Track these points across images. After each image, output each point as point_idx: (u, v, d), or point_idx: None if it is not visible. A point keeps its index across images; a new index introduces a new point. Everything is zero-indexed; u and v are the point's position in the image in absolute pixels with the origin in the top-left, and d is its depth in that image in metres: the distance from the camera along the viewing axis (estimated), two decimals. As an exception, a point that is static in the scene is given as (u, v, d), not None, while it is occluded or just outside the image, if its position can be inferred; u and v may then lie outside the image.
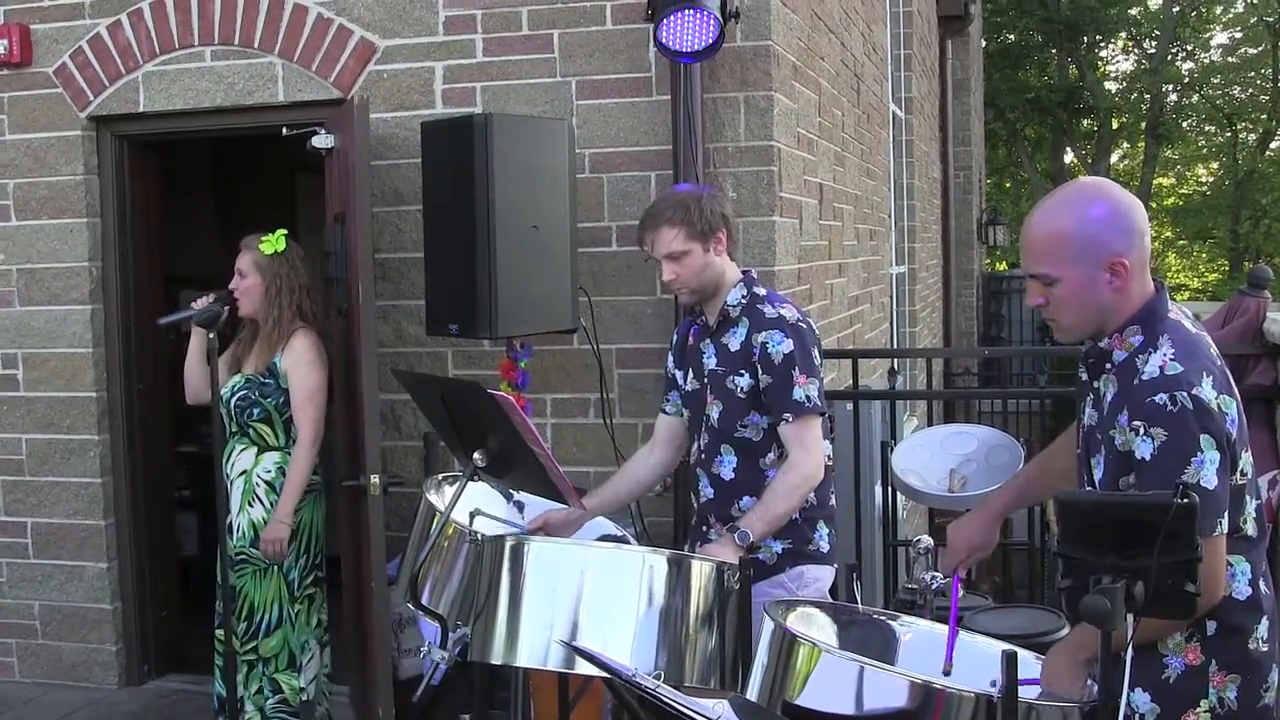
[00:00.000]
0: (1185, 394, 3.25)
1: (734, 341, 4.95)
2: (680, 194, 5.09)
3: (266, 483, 6.32)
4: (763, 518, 4.76)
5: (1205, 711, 3.39)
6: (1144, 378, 3.33)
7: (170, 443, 8.33)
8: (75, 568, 7.83)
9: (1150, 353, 3.38)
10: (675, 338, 5.37)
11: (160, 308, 7.92)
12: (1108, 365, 3.51)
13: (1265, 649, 3.45)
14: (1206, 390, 3.28)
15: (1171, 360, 3.32)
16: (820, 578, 5.04)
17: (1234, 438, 3.32)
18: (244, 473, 6.34)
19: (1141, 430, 3.28)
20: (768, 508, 4.79)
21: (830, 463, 5.04)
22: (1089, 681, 3.44)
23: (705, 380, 5.03)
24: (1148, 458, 3.27)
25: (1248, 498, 3.43)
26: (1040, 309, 3.56)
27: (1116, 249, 3.42)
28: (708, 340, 5.04)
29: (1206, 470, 3.22)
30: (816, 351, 4.95)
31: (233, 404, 6.33)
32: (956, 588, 4.20)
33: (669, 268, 4.93)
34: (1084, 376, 3.67)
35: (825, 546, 5.03)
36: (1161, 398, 3.26)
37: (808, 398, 4.82)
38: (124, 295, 7.78)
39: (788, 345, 4.84)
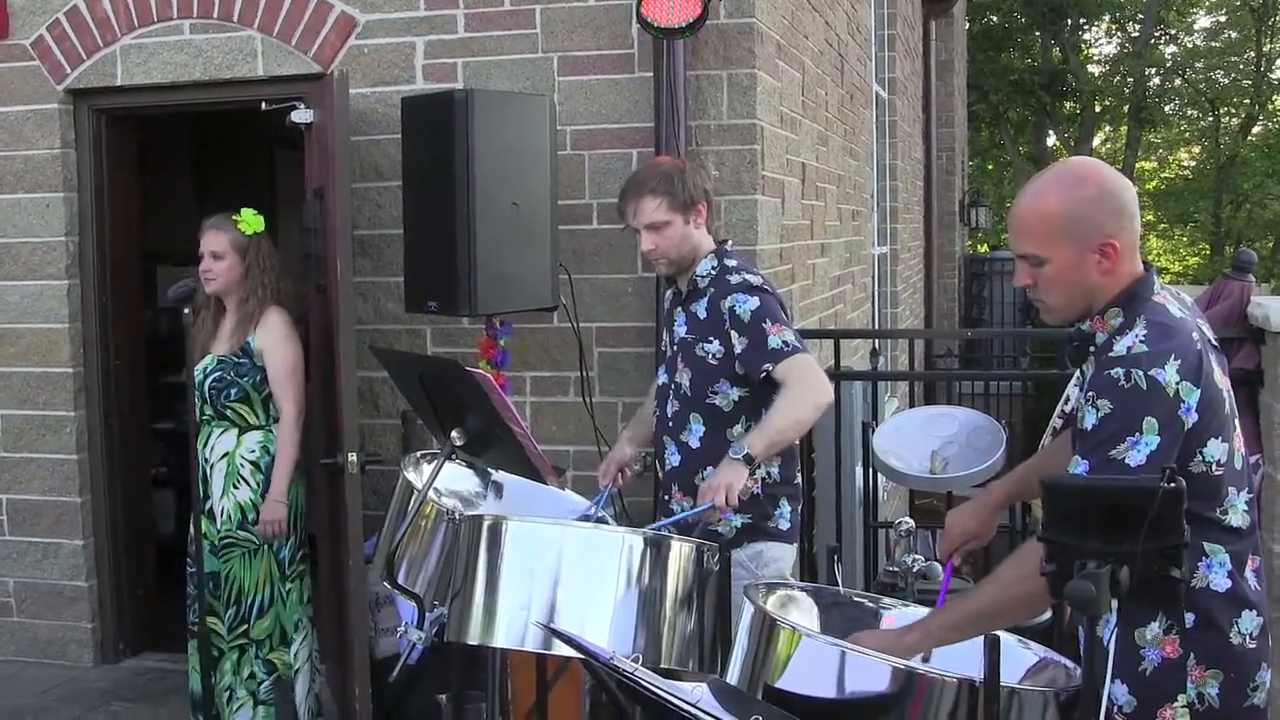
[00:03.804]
0: (1142, 373, 3.21)
1: (701, 309, 5.03)
2: (663, 165, 5.16)
3: (251, 463, 6.27)
4: (764, 432, 4.75)
5: (1183, 707, 3.32)
6: (1111, 354, 3.31)
7: (147, 420, 8.28)
8: (50, 545, 7.79)
9: (1126, 333, 3.34)
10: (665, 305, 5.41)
11: (137, 284, 7.88)
12: (1090, 349, 3.48)
13: (1252, 645, 3.37)
14: (1168, 374, 3.22)
15: (1140, 342, 3.28)
16: (779, 557, 5.07)
17: (1191, 425, 3.26)
18: (226, 455, 6.29)
19: (1092, 400, 3.26)
20: (768, 423, 4.78)
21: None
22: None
23: (676, 347, 5.06)
24: (1088, 428, 3.26)
25: (1230, 488, 3.38)
26: (1027, 289, 3.53)
27: (1107, 230, 3.39)
28: (679, 308, 5.11)
29: (1137, 452, 3.18)
30: (785, 313, 5.02)
31: (207, 386, 6.28)
32: (948, 574, 4.18)
33: (649, 238, 4.99)
34: (1071, 359, 3.65)
35: (785, 525, 5.06)
36: (1117, 372, 3.23)
37: (784, 343, 4.87)
38: (100, 271, 7.72)
39: (753, 302, 4.91)
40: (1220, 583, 3.35)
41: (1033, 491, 4.38)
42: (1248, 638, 3.37)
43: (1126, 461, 3.18)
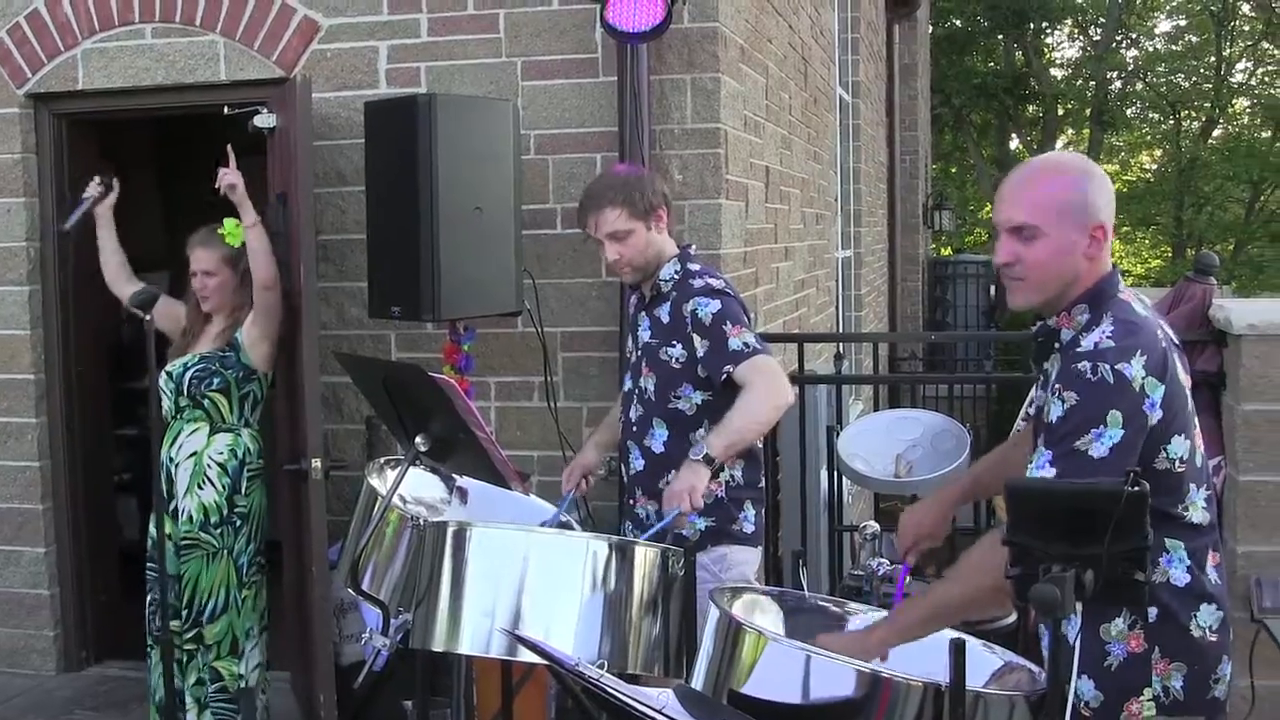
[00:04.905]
0: (1109, 367, 3.25)
1: (664, 314, 5.06)
2: (619, 175, 5.19)
3: (219, 465, 6.23)
4: (722, 432, 4.73)
5: (1149, 700, 3.37)
6: (1078, 350, 3.34)
7: (110, 426, 8.24)
8: (12, 553, 7.73)
9: (1093, 330, 3.38)
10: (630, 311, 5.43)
11: (100, 289, 7.86)
12: (1055, 345, 3.51)
13: (1214, 639, 3.43)
14: (1134, 369, 3.26)
15: (1108, 338, 3.32)
16: (744, 561, 5.09)
17: (1155, 421, 3.30)
18: (194, 454, 6.25)
19: (1058, 392, 3.29)
20: (727, 423, 4.76)
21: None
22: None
23: (640, 352, 5.08)
24: (1054, 420, 3.29)
25: (1191, 485, 3.42)
26: (1006, 268, 3.51)
27: (1101, 216, 3.43)
28: (643, 313, 5.13)
29: (1100, 444, 3.22)
30: (747, 318, 5.03)
31: (188, 377, 6.24)
32: (904, 575, 4.20)
33: (612, 248, 5.01)
34: (1035, 358, 3.67)
35: (750, 528, 5.08)
36: (1084, 365, 3.27)
37: (745, 344, 4.88)
38: (62, 276, 7.67)
39: (714, 305, 4.92)
40: (1180, 577, 3.40)
41: (988, 490, 4.43)
42: (1208, 631, 3.42)
43: (1089, 453, 3.22)
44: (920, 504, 4.28)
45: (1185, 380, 3.45)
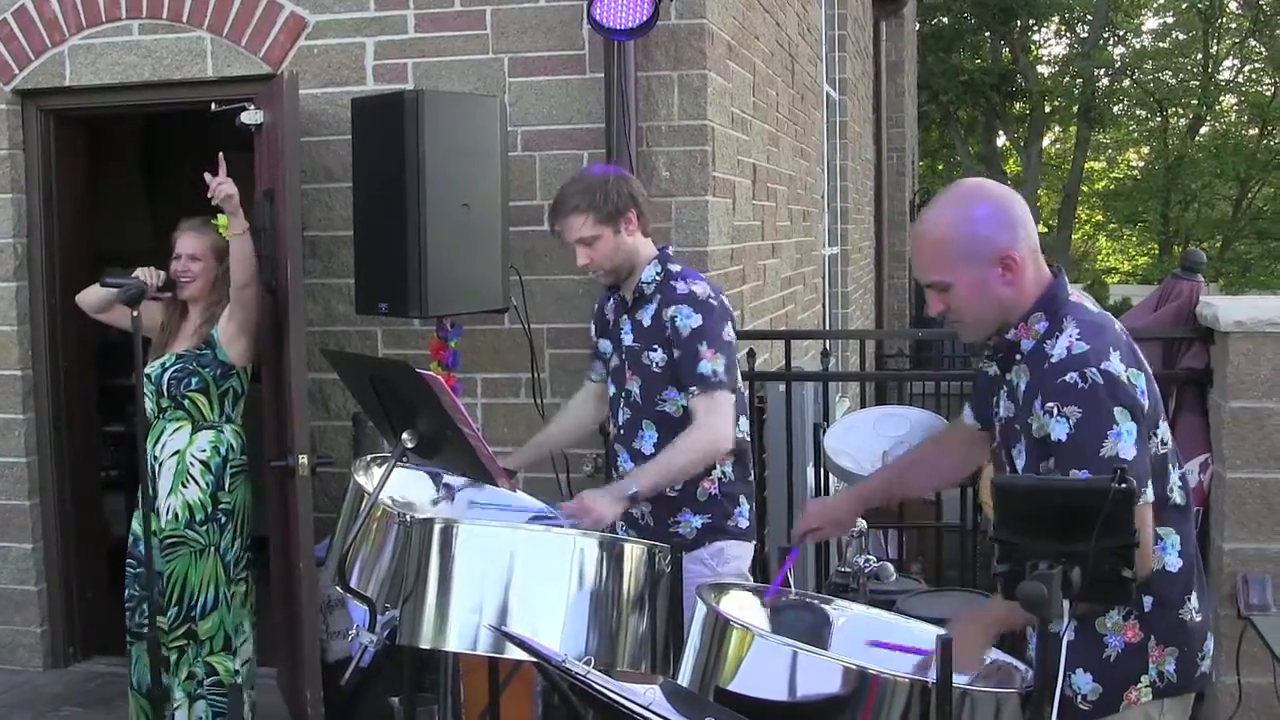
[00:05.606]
0: (1095, 369, 3.28)
1: (646, 317, 5.00)
2: (586, 179, 5.10)
3: (201, 462, 6.21)
4: (655, 472, 4.76)
5: (1146, 687, 3.45)
6: (1053, 360, 3.36)
7: (97, 422, 8.23)
8: (0, 548, 7.74)
9: (1057, 336, 3.41)
10: (595, 307, 5.41)
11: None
12: (1017, 356, 3.54)
13: (1199, 619, 3.51)
14: (1115, 363, 3.31)
15: (1077, 340, 3.35)
16: (740, 555, 5.08)
17: (1147, 408, 3.35)
18: (177, 453, 6.23)
19: (1055, 411, 3.29)
20: (661, 463, 4.79)
21: (744, 437, 5.06)
22: (989, 656, 3.61)
23: (623, 356, 5.06)
24: (1064, 438, 3.29)
25: (1170, 466, 3.48)
26: (943, 314, 3.60)
27: (1002, 243, 3.46)
28: (625, 316, 5.09)
29: (1125, 442, 3.24)
30: (729, 328, 4.96)
31: (166, 379, 6.24)
32: (793, 558, 4.24)
33: (582, 253, 4.99)
34: (993, 371, 3.70)
35: (744, 523, 5.06)
36: (1072, 376, 3.29)
37: (714, 372, 4.82)
38: (50, 272, 7.66)
39: (695, 319, 4.86)
40: (1173, 563, 3.47)
41: (908, 489, 4.52)
42: (1194, 613, 3.50)
43: (1120, 455, 3.23)
44: (836, 494, 4.33)
45: (1148, 367, 3.50)
